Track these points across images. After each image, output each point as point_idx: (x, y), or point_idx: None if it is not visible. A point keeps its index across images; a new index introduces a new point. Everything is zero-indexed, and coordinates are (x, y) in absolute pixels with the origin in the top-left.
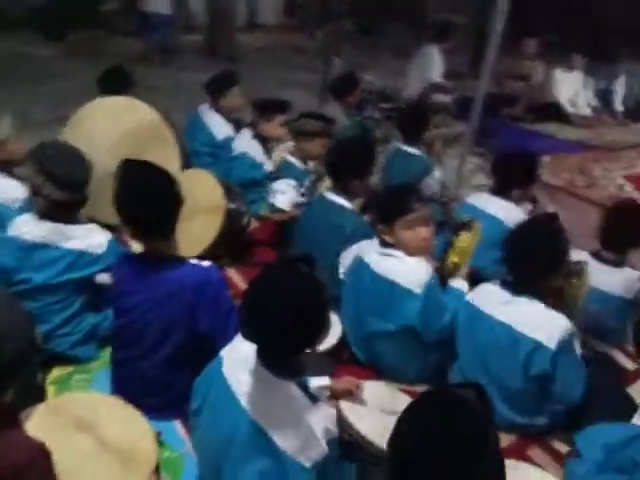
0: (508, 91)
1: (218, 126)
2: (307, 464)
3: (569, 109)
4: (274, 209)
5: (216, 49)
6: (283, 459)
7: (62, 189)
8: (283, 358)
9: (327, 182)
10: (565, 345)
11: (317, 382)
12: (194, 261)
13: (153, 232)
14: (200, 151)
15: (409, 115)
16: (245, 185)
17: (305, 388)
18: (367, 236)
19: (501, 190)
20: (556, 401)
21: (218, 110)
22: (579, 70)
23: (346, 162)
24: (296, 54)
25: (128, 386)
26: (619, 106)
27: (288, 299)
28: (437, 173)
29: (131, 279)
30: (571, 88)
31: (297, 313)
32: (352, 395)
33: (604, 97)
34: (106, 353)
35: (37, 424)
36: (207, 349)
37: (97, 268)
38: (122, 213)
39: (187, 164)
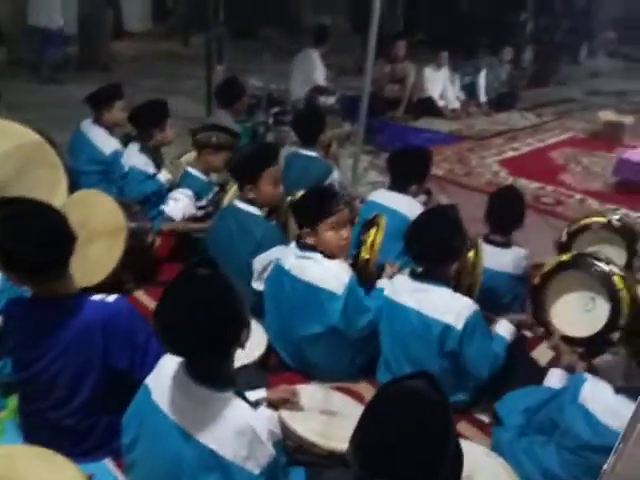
0: (388, 94)
1: (104, 141)
2: (256, 470)
3: (440, 104)
4: (165, 218)
5: (91, 59)
6: (231, 470)
7: None
8: (212, 368)
9: (232, 193)
10: (472, 325)
11: (254, 395)
12: (98, 297)
13: (43, 275)
14: (87, 170)
15: (305, 118)
16: (142, 201)
17: (242, 395)
18: (277, 241)
19: (399, 185)
20: (466, 379)
21: (102, 125)
22: (445, 67)
23: (235, 167)
24: (172, 62)
25: (42, 437)
26: (483, 98)
27: (198, 304)
28: (336, 174)
29: (26, 329)
30: (440, 84)
31: (210, 315)
32: (289, 403)
33: (470, 90)
34: (13, 401)
35: None
36: (126, 385)
37: None
38: (3, 259)
39: (73, 185)
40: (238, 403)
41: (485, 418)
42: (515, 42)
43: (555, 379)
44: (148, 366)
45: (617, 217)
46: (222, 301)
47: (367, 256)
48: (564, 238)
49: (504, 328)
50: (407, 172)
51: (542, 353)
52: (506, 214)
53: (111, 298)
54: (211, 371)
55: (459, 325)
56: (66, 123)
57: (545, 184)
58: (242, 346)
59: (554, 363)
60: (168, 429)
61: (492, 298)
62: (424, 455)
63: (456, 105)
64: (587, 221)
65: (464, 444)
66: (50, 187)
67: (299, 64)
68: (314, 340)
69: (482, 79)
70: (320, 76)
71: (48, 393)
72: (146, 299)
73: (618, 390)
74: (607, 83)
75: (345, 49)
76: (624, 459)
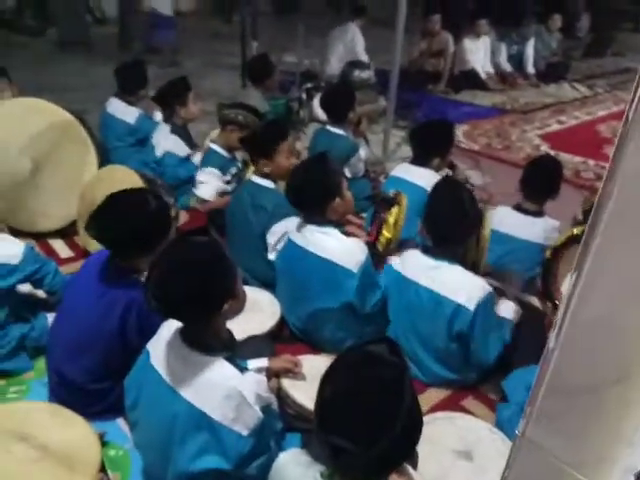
0: (429, 68)
1: (125, 111)
2: (244, 432)
3: (483, 75)
4: (200, 200)
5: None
6: (219, 431)
7: None
8: (203, 334)
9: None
10: (484, 307)
11: (256, 364)
12: (134, 277)
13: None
14: (117, 145)
15: (334, 95)
16: (179, 184)
17: (232, 361)
18: (289, 212)
19: (421, 159)
20: (474, 360)
21: (122, 98)
22: (485, 35)
23: (250, 142)
24: (214, 40)
25: (64, 396)
26: (531, 69)
27: (182, 264)
28: (362, 152)
29: (82, 279)
30: (481, 54)
31: (191, 275)
32: (290, 372)
33: (516, 61)
34: (40, 362)
35: None
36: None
37: (15, 278)
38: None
39: (106, 161)
40: (227, 367)
41: (493, 395)
42: (568, 9)
43: None
44: None
45: None
46: (206, 265)
47: (389, 235)
48: (580, 216)
49: (508, 310)
50: (429, 145)
51: None
52: (541, 181)
53: (144, 278)
54: (202, 336)
55: (471, 306)
56: None
57: (587, 158)
58: (226, 316)
59: None
60: (163, 390)
61: (517, 269)
62: (375, 416)
63: (502, 77)
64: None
65: (469, 420)
66: (80, 163)
67: (339, 38)
68: (326, 314)
69: (530, 49)
70: (361, 49)
71: (70, 352)
72: None
73: None
74: None
75: (384, 22)
76: (532, 422)
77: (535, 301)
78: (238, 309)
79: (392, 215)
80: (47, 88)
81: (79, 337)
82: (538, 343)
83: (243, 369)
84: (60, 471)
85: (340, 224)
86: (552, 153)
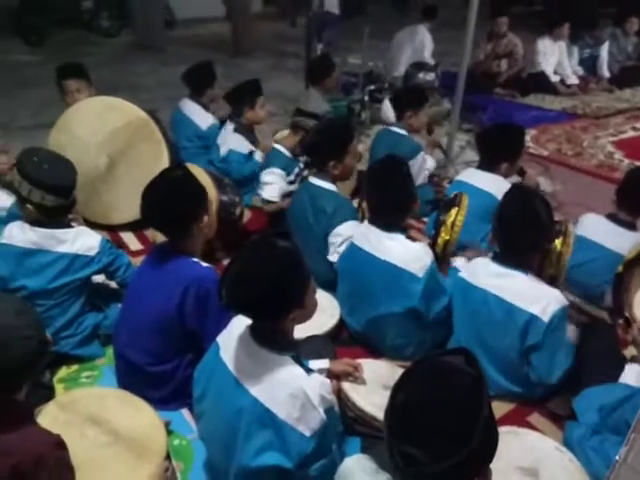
0: (495, 70)
1: (200, 116)
2: (307, 433)
3: (554, 79)
4: (265, 202)
5: (238, 43)
6: (284, 429)
7: (50, 195)
8: (272, 332)
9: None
10: (558, 320)
11: (317, 365)
12: (195, 259)
13: (167, 229)
14: (187, 145)
15: (403, 95)
16: (242, 182)
17: (299, 361)
18: (349, 215)
19: (488, 164)
20: (534, 377)
21: (198, 101)
22: (563, 38)
23: (317, 144)
24: (280, 41)
25: (131, 380)
26: (605, 72)
27: (262, 265)
28: (430, 163)
29: (145, 267)
30: (555, 58)
31: (269, 278)
32: (350, 376)
33: (589, 64)
34: (112, 350)
35: (48, 420)
36: (200, 347)
37: (92, 269)
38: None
39: (176, 159)
40: (293, 367)
41: (560, 412)
42: None
43: (632, 376)
44: (214, 336)
45: None
46: (283, 271)
47: (447, 237)
48: None
49: (569, 330)
50: (497, 150)
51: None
52: (638, 192)
53: (205, 264)
54: (271, 335)
55: (546, 318)
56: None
57: None
58: (293, 322)
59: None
60: (231, 385)
61: (594, 281)
62: (450, 426)
63: (573, 80)
64: None
65: (536, 436)
66: (153, 161)
67: (407, 39)
68: (388, 320)
69: (604, 52)
70: (429, 52)
71: (133, 335)
72: None
73: None
74: None
75: (456, 24)
76: (636, 449)
77: (604, 315)
78: (305, 319)
79: (450, 216)
80: (120, 87)
81: (142, 320)
82: (609, 360)
83: (309, 370)
84: (129, 457)
85: (404, 229)
86: (627, 162)
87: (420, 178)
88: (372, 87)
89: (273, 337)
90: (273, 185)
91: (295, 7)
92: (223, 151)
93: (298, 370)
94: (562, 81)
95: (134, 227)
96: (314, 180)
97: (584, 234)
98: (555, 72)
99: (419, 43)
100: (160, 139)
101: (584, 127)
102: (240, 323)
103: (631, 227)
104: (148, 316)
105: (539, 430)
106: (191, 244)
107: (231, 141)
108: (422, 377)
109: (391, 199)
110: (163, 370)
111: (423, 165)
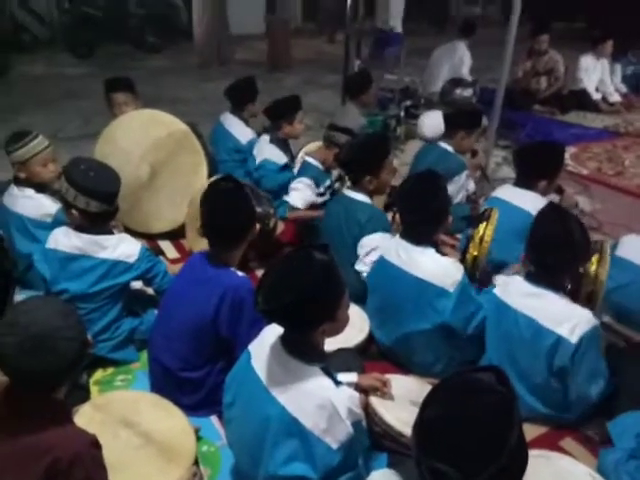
0: (534, 87)
1: (241, 131)
2: (334, 445)
3: (595, 96)
4: (288, 207)
5: (276, 58)
6: (310, 440)
7: (95, 201)
8: (303, 342)
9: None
10: (588, 341)
11: (345, 378)
12: (232, 269)
13: (221, 240)
14: (227, 158)
15: (463, 116)
16: (277, 191)
17: (329, 372)
18: (382, 227)
19: (526, 181)
20: (573, 398)
21: (239, 116)
22: (606, 56)
23: (354, 159)
24: (318, 56)
25: (164, 385)
26: None
27: (299, 275)
28: (471, 184)
29: (183, 275)
30: (598, 75)
31: (305, 289)
32: (378, 391)
33: (633, 82)
34: (146, 355)
35: (84, 421)
36: (232, 354)
37: (131, 276)
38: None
39: (214, 171)
40: (322, 378)
41: (594, 437)
42: None
43: None
44: (246, 344)
45: None
46: (318, 283)
47: (475, 252)
48: None
49: None
50: (535, 167)
51: None
52: None
53: (240, 273)
54: (301, 346)
55: (573, 339)
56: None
57: None
58: (324, 334)
59: None
60: (260, 392)
61: (634, 305)
62: (480, 444)
63: (616, 98)
64: None
65: (568, 461)
66: (192, 172)
67: (445, 56)
68: (418, 336)
69: None
70: (467, 68)
71: (168, 340)
72: None
73: None
74: None
75: (495, 40)
76: None
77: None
78: (335, 332)
79: (479, 232)
80: (162, 100)
81: (177, 326)
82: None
83: (338, 382)
84: (159, 460)
85: (435, 244)
86: None
87: (459, 197)
88: (408, 103)
89: (303, 348)
90: (299, 192)
91: (334, 24)
92: (258, 160)
93: (327, 382)
94: (604, 99)
95: (172, 236)
96: (349, 193)
97: (625, 255)
98: (597, 89)
99: (458, 60)
100: (199, 151)
101: (626, 146)
102: (272, 332)
103: None
104: (184, 322)
105: (571, 455)
106: (235, 255)
107: (267, 151)
108: (452, 393)
109: (423, 212)
110: (195, 376)
111: (465, 184)
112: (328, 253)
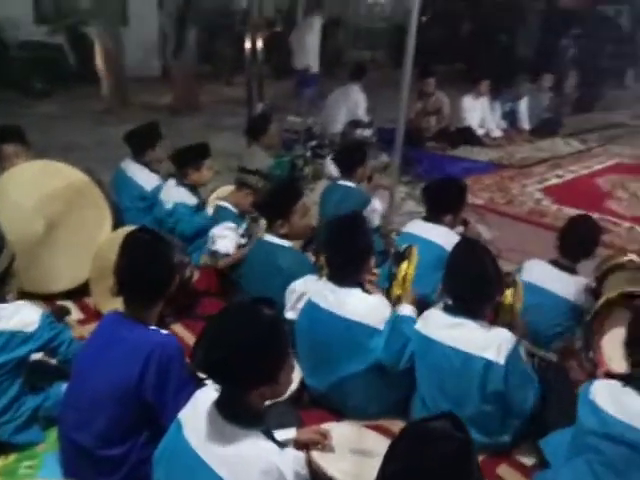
0: (425, 126)
1: (145, 177)
2: None
3: (479, 132)
4: (219, 255)
5: (181, 103)
6: None
7: None
8: (242, 406)
9: (263, 225)
10: (513, 358)
11: (283, 435)
12: (153, 327)
13: (141, 297)
14: (131, 206)
15: (346, 151)
16: (192, 237)
17: (270, 435)
18: (306, 270)
19: (434, 216)
20: (514, 416)
21: (142, 162)
22: (486, 95)
23: (266, 204)
24: (216, 100)
25: (78, 467)
26: (525, 125)
27: (244, 330)
28: (378, 204)
29: (96, 338)
30: (479, 113)
31: (250, 344)
32: (319, 444)
33: (511, 118)
34: (53, 434)
35: None
36: (156, 424)
37: (31, 347)
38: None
39: (119, 222)
40: (265, 442)
41: (527, 460)
42: (556, 68)
43: None
44: (174, 410)
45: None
46: (262, 340)
47: (399, 292)
48: (594, 284)
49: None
50: (442, 203)
51: None
52: (578, 240)
53: (165, 332)
54: (240, 408)
55: (501, 360)
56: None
57: (591, 212)
58: (265, 396)
59: None
60: (197, 466)
61: (542, 325)
62: None
63: (497, 133)
64: (613, 263)
65: None
66: (95, 224)
67: (341, 100)
68: (352, 379)
69: (523, 106)
70: (363, 110)
71: (82, 414)
72: (185, 333)
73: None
74: None
75: (385, 84)
76: None
77: (553, 357)
78: (276, 395)
79: (401, 271)
80: (55, 147)
81: (93, 397)
82: (568, 402)
83: (280, 444)
84: None
85: (361, 283)
86: (555, 207)
87: (374, 224)
88: (313, 143)
89: (241, 411)
90: (227, 238)
91: (230, 66)
92: (169, 205)
93: (269, 445)
94: (487, 134)
95: (74, 295)
96: (269, 237)
97: (530, 280)
98: (481, 126)
99: (353, 103)
100: (102, 202)
101: (511, 177)
102: (205, 398)
103: (572, 272)
104: (100, 392)
105: None
106: (154, 312)
107: (176, 195)
108: (410, 446)
109: (348, 254)
110: (115, 453)
111: (373, 213)
112: (275, 308)
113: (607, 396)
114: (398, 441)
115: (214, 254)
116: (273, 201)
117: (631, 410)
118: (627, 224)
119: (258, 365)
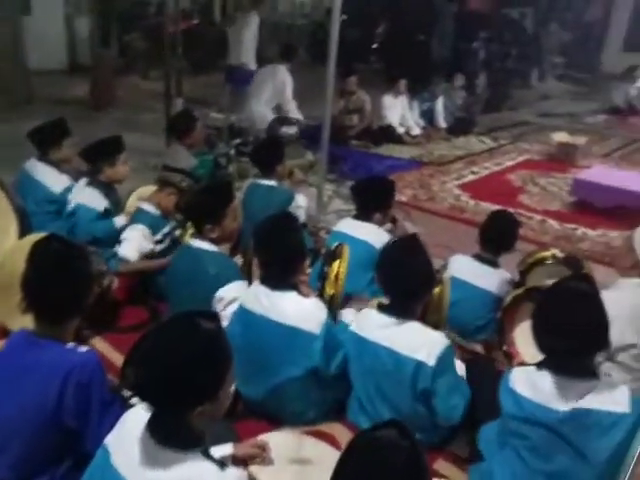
0: (348, 123)
1: (53, 179)
2: None
3: (400, 130)
4: (119, 259)
5: (98, 98)
6: None
7: None
8: (177, 427)
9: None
10: (443, 362)
11: (219, 452)
12: (71, 344)
13: (53, 313)
14: (37, 211)
15: (263, 149)
16: (94, 242)
17: (209, 455)
18: (234, 275)
19: (364, 215)
20: (440, 420)
21: (49, 162)
22: (404, 94)
23: (195, 206)
24: (133, 94)
25: None
26: (442, 123)
27: (181, 345)
28: (302, 200)
29: (4, 359)
30: (399, 111)
31: (187, 361)
32: (257, 457)
33: (429, 117)
34: None
35: None
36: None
37: None
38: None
39: (26, 227)
40: (205, 464)
41: (462, 453)
42: (468, 69)
43: None
44: (99, 436)
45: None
46: (201, 353)
47: (332, 291)
48: (518, 278)
49: (459, 366)
50: (371, 201)
51: None
52: (498, 234)
53: (83, 348)
54: (175, 430)
55: (431, 362)
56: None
57: (505, 206)
58: (202, 415)
59: None
60: None
61: (468, 318)
62: None
63: (416, 131)
64: (537, 257)
65: None
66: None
67: (267, 80)
68: (289, 385)
69: (439, 105)
70: (289, 94)
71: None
72: (105, 346)
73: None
74: (557, 105)
75: (303, 82)
76: None
77: (478, 348)
78: (215, 414)
79: (333, 270)
80: None
81: (3, 427)
82: (495, 394)
83: (221, 464)
84: None
85: (295, 285)
86: (472, 203)
87: (301, 220)
88: (238, 141)
89: (177, 433)
90: (130, 242)
91: (147, 60)
92: (71, 206)
93: (209, 466)
94: (407, 132)
95: None
96: (195, 242)
97: (455, 274)
98: (401, 124)
99: (280, 82)
100: (6, 204)
101: (431, 174)
102: (133, 421)
103: (495, 265)
104: (12, 421)
105: (446, 477)
106: (70, 328)
107: (82, 195)
108: (358, 459)
109: (281, 255)
110: None
111: (298, 209)
112: (216, 322)
113: (524, 381)
114: (345, 454)
115: (117, 258)
116: (203, 203)
117: (545, 390)
118: (539, 217)
119: (198, 384)
